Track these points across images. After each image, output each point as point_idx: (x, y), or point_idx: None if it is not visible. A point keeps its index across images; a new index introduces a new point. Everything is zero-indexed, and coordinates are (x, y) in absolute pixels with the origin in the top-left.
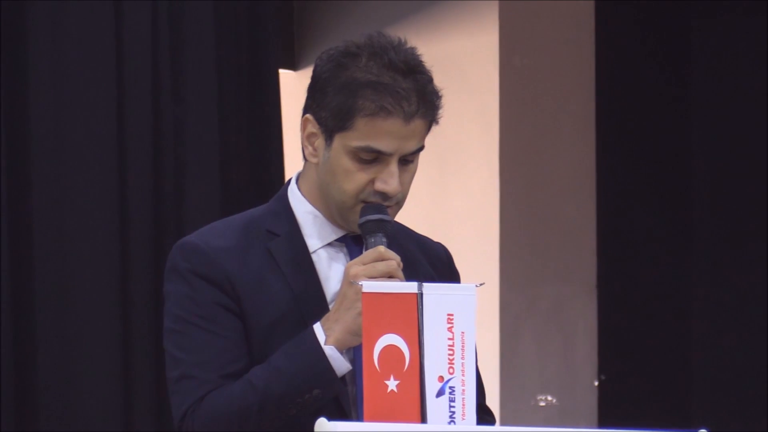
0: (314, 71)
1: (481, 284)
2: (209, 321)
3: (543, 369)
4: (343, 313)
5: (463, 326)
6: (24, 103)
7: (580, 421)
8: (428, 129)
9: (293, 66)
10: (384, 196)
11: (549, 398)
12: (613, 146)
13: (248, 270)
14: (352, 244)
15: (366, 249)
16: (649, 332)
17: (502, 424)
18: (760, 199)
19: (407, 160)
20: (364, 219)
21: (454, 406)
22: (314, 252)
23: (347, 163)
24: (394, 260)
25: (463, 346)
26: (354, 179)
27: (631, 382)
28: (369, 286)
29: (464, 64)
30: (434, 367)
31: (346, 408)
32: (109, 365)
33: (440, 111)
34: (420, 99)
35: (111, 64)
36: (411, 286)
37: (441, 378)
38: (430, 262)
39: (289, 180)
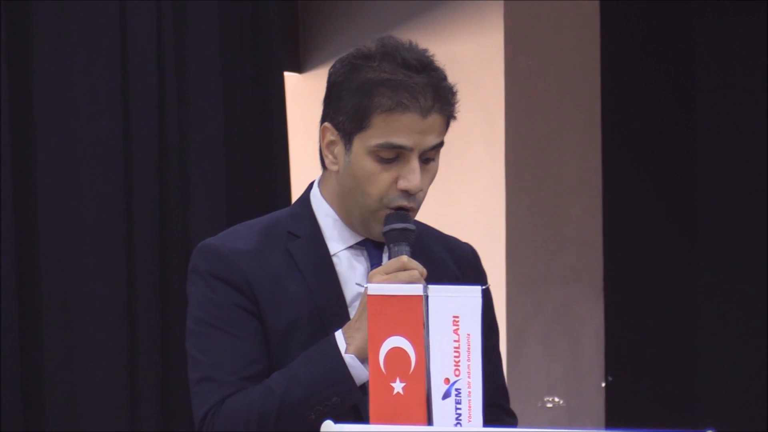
0: (329, 79)
1: (486, 286)
2: (229, 323)
3: (550, 370)
4: (365, 322)
5: (469, 328)
6: (29, 106)
7: (587, 422)
8: (447, 125)
9: (298, 69)
10: (407, 196)
11: (556, 399)
12: (619, 147)
13: (267, 271)
14: (372, 248)
15: (389, 258)
16: (655, 333)
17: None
18: (767, 199)
19: (428, 159)
20: (388, 228)
21: (460, 408)
22: (335, 255)
23: (369, 164)
24: (416, 270)
25: (468, 348)
26: (377, 181)
27: (638, 383)
28: (374, 288)
29: (469, 65)
30: (440, 370)
31: (364, 416)
32: (114, 368)
33: (456, 107)
34: (435, 94)
35: (115, 67)
36: (416, 288)
37: (447, 380)
38: (457, 263)
39: (311, 184)
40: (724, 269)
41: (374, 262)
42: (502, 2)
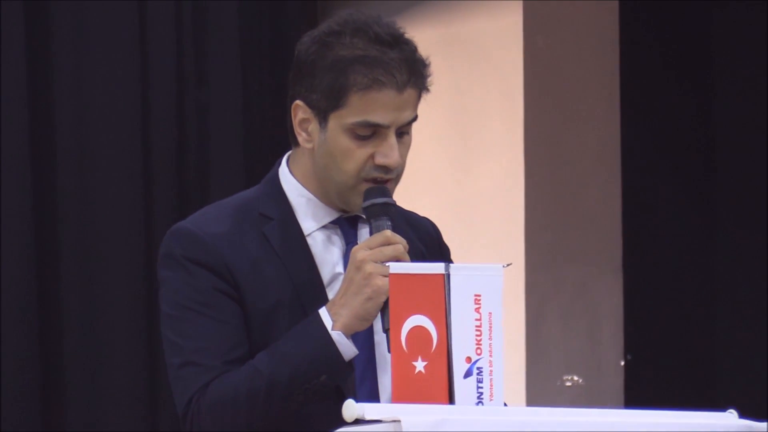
0: (298, 56)
1: (508, 265)
2: (209, 307)
3: (569, 349)
4: (350, 298)
5: (491, 307)
6: (49, 89)
7: (606, 401)
8: (419, 98)
9: None
10: (385, 169)
11: (575, 378)
12: (637, 126)
13: (244, 254)
14: (347, 225)
15: (371, 233)
16: (674, 311)
17: (528, 404)
18: None
19: (403, 132)
20: (369, 202)
21: (482, 387)
22: (309, 235)
23: (345, 141)
24: (400, 244)
25: (490, 327)
26: (353, 157)
27: (657, 361)
28: (396, 267)
29: (488, 45)
30: (462, 348)
31: (347, 394)
32: (134, 361)
33: (429, 79)
34: (410, 68)
35: (135, 49)
36: (438, 267)
37: (468, 359)
38: (420, 239)
39: (278, 162)
40: (744, 247)
41: (349, 240)
42: None
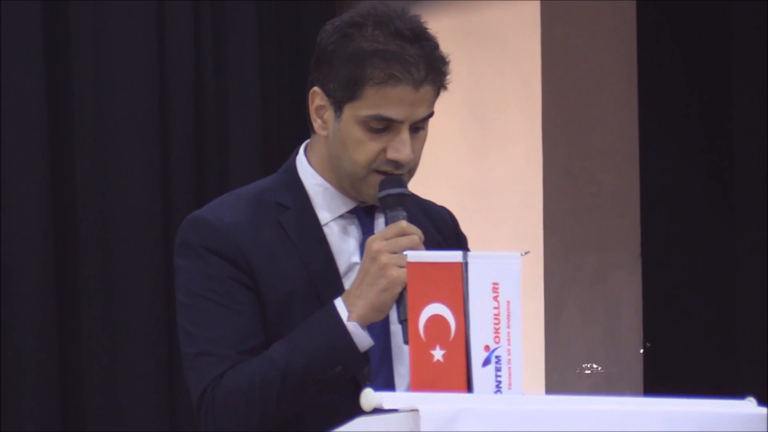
0: (319, 44)
1: (526, 253)
2: (225, 296)
3: (588, 337)
4: (366, 289)
5: (509, 295)
6: (68, 82)
7: (625, 388)
8: (437, 95)
9: None
10: (396, 164)
11: (594, 366)
12: (656, 112)
13: (261, 244)
14: (364, 215)
15: (387, 224)
16: (693, 299)
17: (548, 392)
18: None
19: (418, 128)
20: (384, 193)
21: (500, 376)
22: (326, 224)
23: (358, 133)
24: (416, 235)
25: (508, 315)
26: (365, 149)
27: (676, 349)
28: (414, 255)
29: (506, 34)
30: (480, 337)
31: (362, 384)
32: (152, 353)
33: (448, 77)
34: (428, 65)
35: (154, 42)
36: (456, 256)
37: (487, 347)
38: (437, 228)
39: (296, 151)
40: (763, 235)
41: (366, 231)
42: None
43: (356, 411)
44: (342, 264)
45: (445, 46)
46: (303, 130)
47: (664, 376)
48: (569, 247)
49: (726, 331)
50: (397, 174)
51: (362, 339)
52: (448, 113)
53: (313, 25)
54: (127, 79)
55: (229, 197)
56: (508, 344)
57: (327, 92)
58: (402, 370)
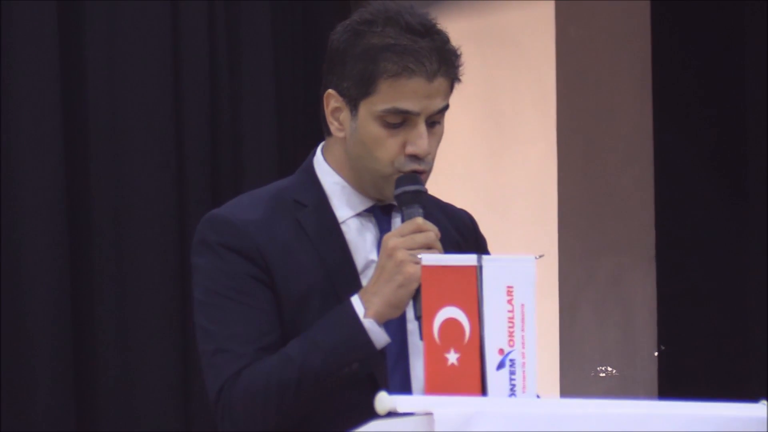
0: (330, 45)
1: (540, 256)
2: (242, 293)
3: (602, 340)
4: (382, 286)
5: (523, 298)
6: (82, 83)
7: (640, 391)
8: (451, 88)
9: None
10: (417, 160)
11: (609, 369)
12: (670, 116)
13: (278, 241)
14: (381, 214)
15: (403, 220)
16: (707, 302)
17: (562, 395)
18: None
19: (434, 122)
20: (400, 190)
21: (514, 379)
22: (343, 222)
23: (376, 129)
24: (432, 231)
25: (523, 319)
26: (386, 146)
27: (690, 352)
28: (428, 259)
29: (520, 36)
30: (494, 340)
31: (380, 382)
32: (167, 354)
33: (461, 69)
34: (440, 57)
35: (168, 43)
36: (470, 259)
37: (501, 351)
38: (457, 230)
39: (313, 151)
40: None
41: (383, 228)
42: None
43: (373, 410)
44: (359, 261)
45: (456, 45)
46: (317, 130)
47: (679, 379)
48: (584, 250)
49: (740, 334)
50: (420, 171)
51: (378, 336)
52: (462, 115)
53: (327, 25)
54: (142, 80)
55: (247, 196)
56: (523, 348)
57: (341, 92)
58: (418, 368)
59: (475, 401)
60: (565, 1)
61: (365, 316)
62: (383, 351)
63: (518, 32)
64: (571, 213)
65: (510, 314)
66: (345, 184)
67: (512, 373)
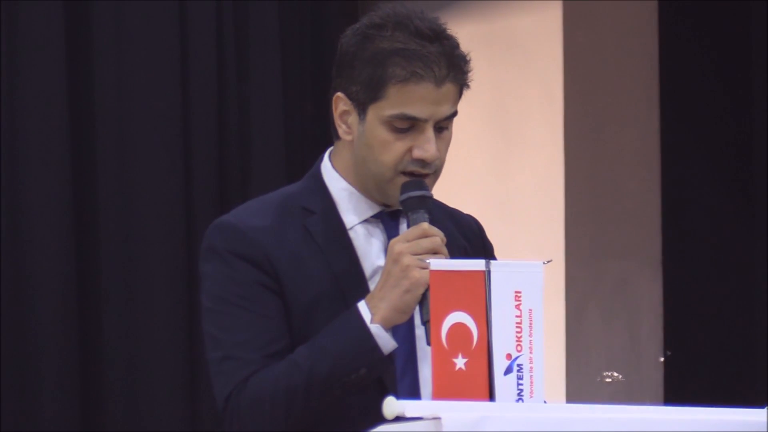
0: (340, 49)
1: (548, 261)
2: (250, 301)
3: (609, 345)
4: (389, 291)
5: (531, 303)
6: (90, 87)
7: (645, 397)
8: (460, 94)
9: None
10: (422, 163)
11: (615, 374)
12: (677, 121)
13: (286, 248)
14: (389, 220)
15: (409, 226)
16: (714, 307)
17: (568, 400)
18: None
19: (442, 127)
20: (405, 195)
21: (522, 384)
22: (351, 228)
23: (383, 133)
24: (438, 237)
25: (530, 324)
26: (391, 150)
27: (696, 357)
28: (436, 264)
29: (528, 39)
30: (502, 345)
31: (390, 387)
32: (174, 359)
33: (470, 75)
34: (449, 63)
35: (176, 46)
36: (478, 264)
37: (509, 356)
38: (464, 235)
39: (321, 157)
40: None
41: (391, 234)
42: None
43: (382, 415)
44: (367, 267)
45: (465, 50)
46: (325, 134)
47: (684, 385)
48: (590, 255)
49: (746, 340)
50: (423, 174)
51: (386, 341)
52: (469, 120)
53: (335, 28)
54: (149, 83)
55: (255, 203)
56: (530, 353)
57: (350, 96)
58: (427, 373)
59: (482, 406)
60: (573, 7)
61: (372, 321)
62: (392, 356)
63: (526, 36)
64: (578, 217)
65: (518, 319)
66: (352, 189)
67: (520, 378)
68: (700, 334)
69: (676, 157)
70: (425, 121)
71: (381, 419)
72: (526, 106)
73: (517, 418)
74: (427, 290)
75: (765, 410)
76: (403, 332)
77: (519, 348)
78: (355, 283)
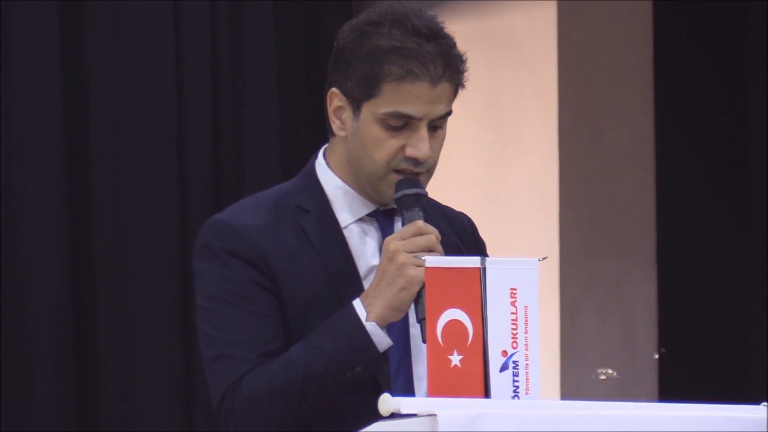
0: (336, 44)
1: (543, 258)
2: (245, 300)
3: (603, 343)
4: (384, 289)
5: (526, 300)
6: (84, 84)
7: (640, 394)
8: (455, 93)
9: None
10: (415, 162)
11: (609, 371)
12: (672, 119)
13: (281, 247)
14: (383, 218)
15: (403, 224)
16: (708, 304)
17: (563, 397)
18: None
19: (436, 126)
20: (400, 194)
21: (518, 381)
22: (345, 227)
23: (377, 131)
24: (433, 234)
25: (526, 321)
26: (384, 147)
27: (691, 355)
28: (432, 261)
29: (522, 38)
30: (498, 342)
31: (383, 385)
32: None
33: (466, 75)
34: (445, 62)
35: (170, 44)
36: (474, 261)
37: (504, 352)
38: (456, 233)
39: (316, 154)
40: None
41: (385, 233)
42: None
43: (377, 413)
44: (362, 266)
45: (461, 50)
46: (320, 132)
47: (679, 382)
48: (585, 253)
49: (740, 337)
50: (416, 172)
51: (381, 339)
52: (463, 117)
53: (330, 26)
54: (144, 82)
55: (249, 201)
56: (526, 349)
57: (345, 92)
58: (421, 372)
59: (478, 403)
60: (567, 4)
61: (367, 319)
62: (386, 354)
63: (520, 34)
64: (572, 215)
65: (513, 316)
66: (347, 188)
67: (515, 375)
68: (695, 332)
69: (671, 155)
70: (419, 119)
71: (375, 418)
72: (521, 105)
73: (513, 415)
74: (422, 288)
75: (762, 407)
76: (398, 330)
77: (515, 345)
78: (350, 283)
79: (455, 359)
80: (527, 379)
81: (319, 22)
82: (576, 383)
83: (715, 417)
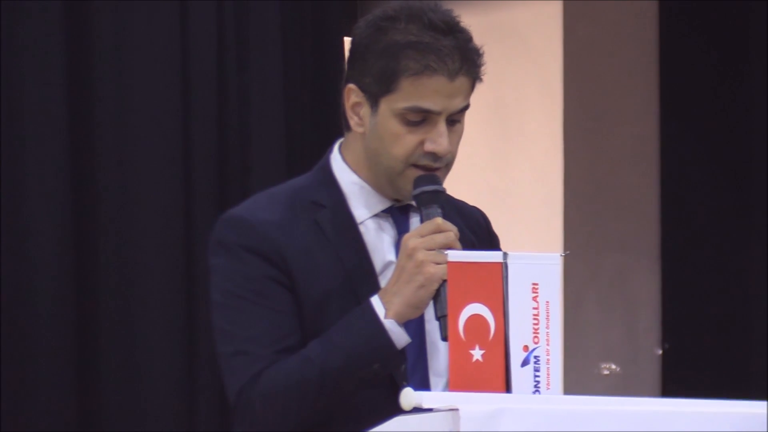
0: (353, 40)
1: (566, 253)
2: (261, 295)
3: (606, 337)
4: (402, 286)
5: (548, 296)
6: (89, 82)
7: (643, 389)
8: (472, 87)
9: None
10: (434, 156)
11: (612, 366)
12: (676, 114)
13: (297, 242)
14: (398, 214)
15: (422, 221)
16: (711, 300)
17: (566, 392)
18: None
19: (454, 120)
20: (419, 190)
21: (539, 376)
22: (361, 223)
23: (395, 126)
24: (451, 231)
25: (547, 316)
26: (403, 142)
27: (694, 350)
28: (454, 255)
29: (528, 33)
30: (519, 337)
31: (399, 382)
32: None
33: (483, 68)
34: (462, 56)
35: (176, 42)
36: (496, 256)
37: (526, 347)
38: (470, 228)
39: (331, 149)
40: None
41: (401, 229)
42: None
43: (393, 410)
44: (377, 262)
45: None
46: (325, 128)
47: (682, 377)
48: (589, 248)
49: (744, 333)
50: (434, 167)
51: (399, 336)
52: (469, 113)
53: (335, 24)
54: (150, 78)
55: (264, 196)
56: (547, 344)
57: (362, 88)
58: (437, 368)
59: (499, 397)
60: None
61: (385, 316)
62: (403, 351)
63: (526, 30)
64: (576, 210)
65: (535, 311)
66: (363, 183)
67: (536, 369)
68: (698, 327)
69: (675, 150)
70: (438, 114)
71: (390, 414)
72: (526, 100)
73: (534, 409)
74: (440, 286)
75: (765, 403)
76: (414, 327)
77: (536, 340)
78: (366, 279)
79: (477, 354)
80: (548, 374)
81: (325, 20)
82: (578, 378)
83: (718, 413)
